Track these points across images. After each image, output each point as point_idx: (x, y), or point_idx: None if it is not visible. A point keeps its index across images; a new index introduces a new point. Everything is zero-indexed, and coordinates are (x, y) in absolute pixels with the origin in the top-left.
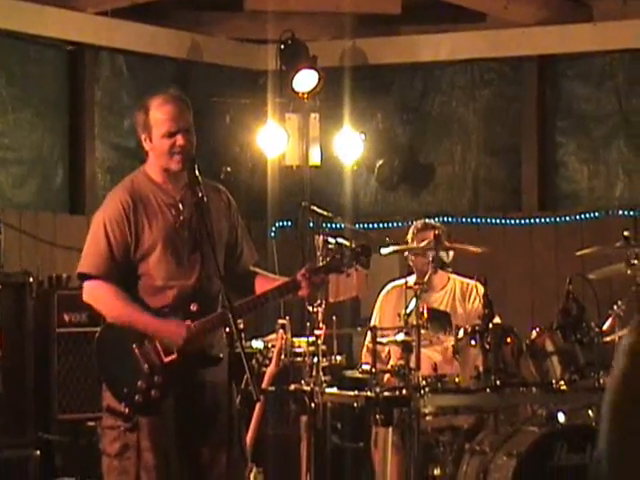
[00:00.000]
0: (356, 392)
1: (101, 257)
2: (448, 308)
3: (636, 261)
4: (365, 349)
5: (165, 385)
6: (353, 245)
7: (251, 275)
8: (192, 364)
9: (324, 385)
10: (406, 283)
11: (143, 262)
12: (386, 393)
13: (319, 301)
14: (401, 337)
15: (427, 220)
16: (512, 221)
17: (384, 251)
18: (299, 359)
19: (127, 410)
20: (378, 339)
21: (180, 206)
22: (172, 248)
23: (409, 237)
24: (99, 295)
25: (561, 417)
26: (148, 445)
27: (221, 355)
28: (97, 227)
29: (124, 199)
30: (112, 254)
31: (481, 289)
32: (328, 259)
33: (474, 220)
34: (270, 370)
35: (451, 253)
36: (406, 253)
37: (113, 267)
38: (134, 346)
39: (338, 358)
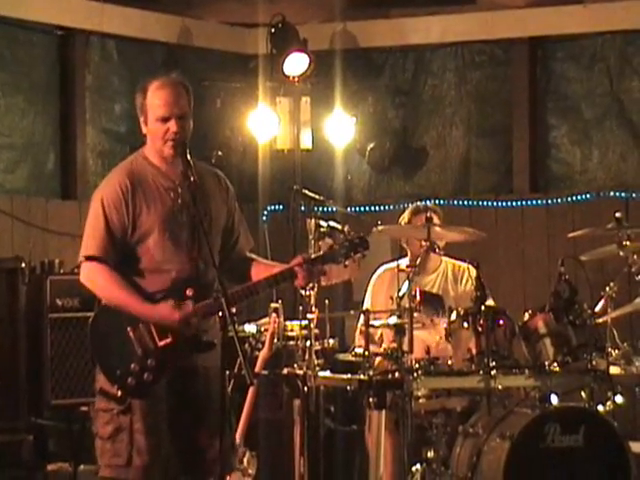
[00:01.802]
0: (349, 375)
1: (100, 238)
2: (440, 291)
3: (628, 242)
4: (358, 332)
5: (158, 368)
6: (350, 235)
7: (247, 261)
8: (186, 349)
9: (317, 369)
10: (398, 266)
11: (140, 245)
12: (379, 376)
13: (311, 285)
14: (394, 320)
15: (422, 202)
16: (504, 203)
17: (379, 228)
18: (292, 343)
19: (120, 392)
20: (371, 322)
21: (179, 190)
22: (170, 232)
23: (405, 219)
24: (96, 278)
25: (554, 399)
26: (141, 428)
27: (215, 341)
28: (95, 208)
29: (123, 181)
30: (110, 235)
31: (473, 271)
32: (325, 249)
33: (465, 202)
34: (263, 354)
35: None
36: (400, 236)
37: (111, 248)
38: (128, 329)
39: (331, 342)
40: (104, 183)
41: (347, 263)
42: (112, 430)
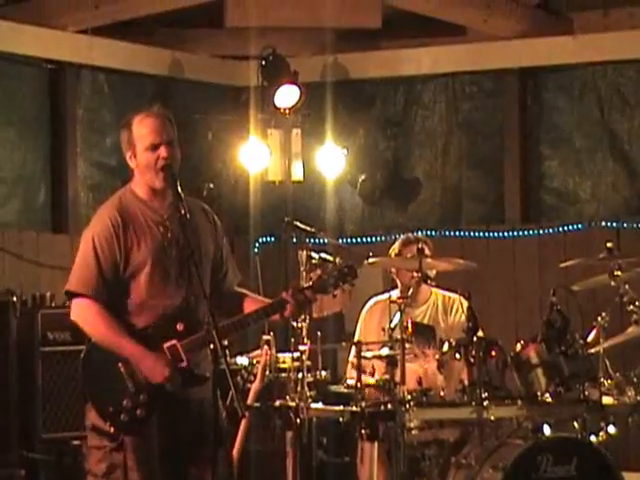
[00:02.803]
0: (341, 407)
1: (90, 275)
2: (431, 322)
3: (619, 272)
4: (350, 364)
5: (150, 404)
6: (339, 264)
7: (236, 295)
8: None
9: (309, 400)
10: (390, 297)
11: (131, 280)
12: (371, 408)
13: (303, 316)
14: (385, 351)
15: (413, 233)
16: (495, 234)
17: (370, 260)
18: (284, 375)
19: (112, 429)
20: (363, 354)
21: (168, 224)
22: (161, 266)
23: (395, 250)
24: (87, 317)
25: (546, 430)
26: (134, 465)
27: (207, 374)
28: (86, 245)
29: (113, 217)
30: (101, 272)
31: (464, 302)
32: (314, 279)
33: (457, 233)
34: (255, 386)
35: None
36: (391, 267)
37: (102, 285)
38: (120, 364)
39: (323, 373)
40: (94, 221)
41: (337, 293)
42: (106, 468)
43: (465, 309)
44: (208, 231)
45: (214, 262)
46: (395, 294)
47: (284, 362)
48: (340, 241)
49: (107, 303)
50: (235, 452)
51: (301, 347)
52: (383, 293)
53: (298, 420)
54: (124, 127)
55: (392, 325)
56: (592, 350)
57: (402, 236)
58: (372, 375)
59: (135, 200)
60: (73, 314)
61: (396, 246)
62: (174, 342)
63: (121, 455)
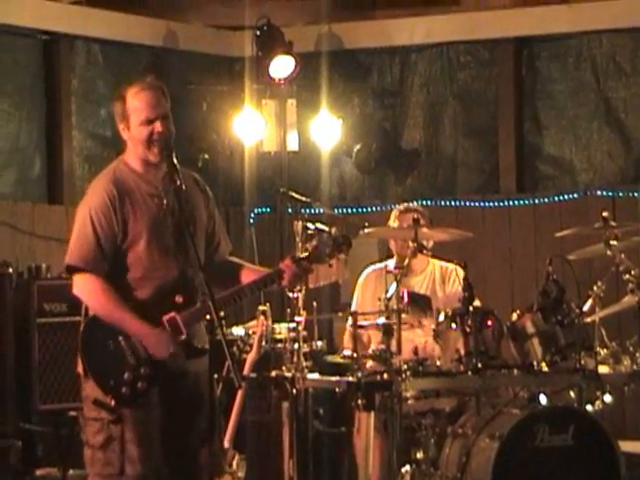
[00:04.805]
0: (337, 377)
1: (89, 249)
2: (428, 291)
3: (615, 242)
4: (346, 334)
5: (151, 377)
6: (334, 234)
7: (231, 265)
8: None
9: (305, 371)
10: (386, 267)
11: (129, 253)
12: (367, 378)
13: (299, 287)
14: (382, 321)
15: (410, 203)
16: (490, 203)
17: (366, 230)
18: (280, 345)
19: (113, 402)
20: (359, 324)
21: (162, 195)
22: (157, 238)
23: (391, 220)
24: (90, 292)
25: (543, 399)
26: (132, 437)
27: (206, 346)
28: (83, 219)
29: (109, 190)
30: (100, 246)
31: (461, 272)
32: (310, 249)
33: (452, 203)
34: (251, 357)
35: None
36: (386, 238)
37: (101, 259)
38: (120, 338)
39: (319, 344)
40: (90, 193)
41: (332, 263)
42: (103, 439)
43: (461, 279)
44: (201, 200)
45: (207, 231)
46: (392, 264)
47: (280, 333)
48: (335, 211)
49: (107, 277)
50: (231, 423)
51: (297, 317)
52: (379, 262)
53: (294, 390)
54: (118, 98)
55: (388, 295)
56: (588, 319)
57: (398, 206)
58: (368, 345)
59: (129, 172)
60: (76, 289)
61: (392, 216)
62: (173, 315)
63: (119, 428)
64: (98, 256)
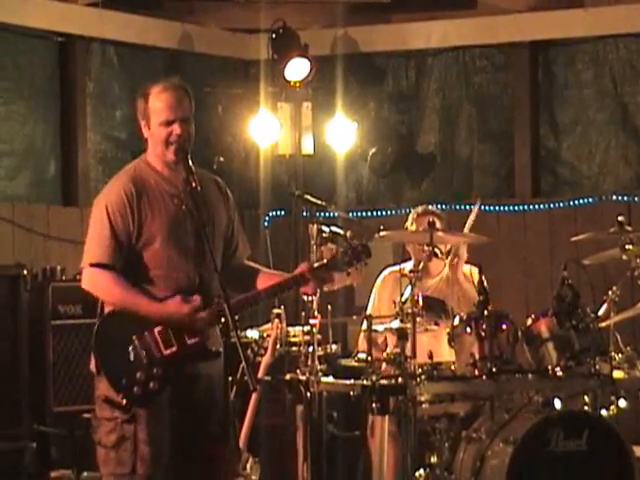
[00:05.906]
0: (352, 381)
1: (105, 245)
2: (443, 295)
3: (630, 246)
4: (361, 337)
5: (163, 377)
6: (353, 244)
7: (248, 270)
8: (191, 357)
9: (320, 374)
10: (401, 270)
11: (145, 251)
12: (382, 381)
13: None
14: (396, 324)
15: (428, 206)
16: (506, 208)
17: (381, 234)
18: (294, 348)
19: (125, 402)
20: (374, 327)
21: (182, 196)
22: (175, 239)
23: (409, 222)
24: (99, 282)
25: (557, 403)
26: (145, 437)
27: (220, 349)
28: (100, 214)
29: (127, 187)
30: (116, 242)
31: (476, 274)
32: (329, 258)
33: (468, 207)
34: (266, 360)
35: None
36: (402, 241)
37: (116, 255)
38: (134, 337)
39: (333, 347)
40: (107, 189)
41: (350, 271)
42: (116, 439)
43: (477, 283)
44: (221, 204)
45: (226, 235)
46: (408, 266)
47: (295, 336)
48: (351, 215)
49: (122, 274)
50: (246, 426)
51: (312, 320)
52: (396, 264)
53: (308, 394)
54: (141, 97)
55: (403, 299)
56: (603, 324)
57: (414, 209)
58: (384, 348)
59: (150, 171)
60: (84, 282)
61: (411, 218)
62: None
63: (132, 427)
64: (113, 252)
